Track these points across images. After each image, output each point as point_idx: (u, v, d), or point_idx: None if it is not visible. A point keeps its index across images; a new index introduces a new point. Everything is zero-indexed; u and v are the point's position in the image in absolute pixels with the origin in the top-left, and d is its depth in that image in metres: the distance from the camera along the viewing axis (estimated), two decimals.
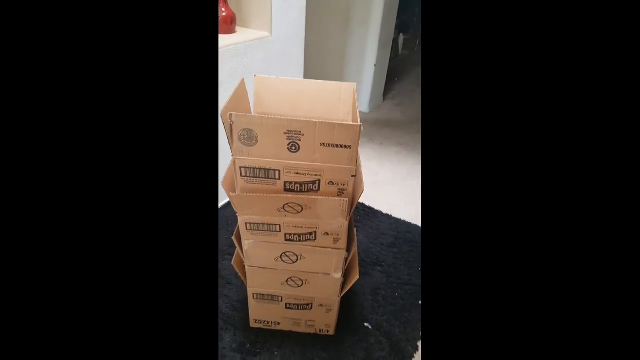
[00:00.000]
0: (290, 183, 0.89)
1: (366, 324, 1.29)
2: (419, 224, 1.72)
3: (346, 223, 0.95)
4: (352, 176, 0.88)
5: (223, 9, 1.49)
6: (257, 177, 0.88)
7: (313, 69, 2.63)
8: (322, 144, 0.83)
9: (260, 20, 1.61)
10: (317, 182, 0.88)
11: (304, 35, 1.81)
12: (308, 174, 0.87)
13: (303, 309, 1.17)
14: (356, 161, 0.86)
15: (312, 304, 1.15)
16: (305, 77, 2.10)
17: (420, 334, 1.27)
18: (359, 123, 0.80)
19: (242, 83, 0.98)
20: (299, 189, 0.89)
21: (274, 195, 0.89)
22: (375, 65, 2.50)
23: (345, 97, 0.99)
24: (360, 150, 2.39)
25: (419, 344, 1.24)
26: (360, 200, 1.84)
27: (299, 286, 1.10)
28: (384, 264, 1.52)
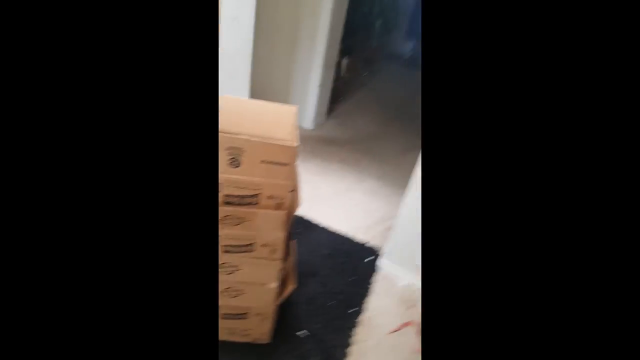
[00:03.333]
0: (231, 196, 0.93)
1: (300, 332, 1.35)
2: (355, 236, 1.84)
3: (283, 235, 1.01)
4: (290, 191, 0.95)
5: None
6: None
7: (260, 86, 2.70)
8: (262, 161, 0.89)
9: None
10: (257, 196, 0.94)
11: (251, 52, 1.87)
12: (248, 189, 0.93)
13: (239, 318, 1.20)
14: (294, 177, 0.94)
15: (248, 313, 1.19)
16: (252, 93, 2.15)
17: (349, 340, 1.37)
18: (297, 144, 0.89)
19: None
20: (238, 203, 0.94)
21: None
22: (319, 85, 2.64)
23: (287, 118, 1.07)
24: (303, 165, 2.46)
25: (348, 350, 1.33)
26: (301, 214, 1.92)
27: (235, 296, 1.14)
28: (319, 274, 1.60)
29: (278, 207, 0.97)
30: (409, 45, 4.91)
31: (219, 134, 0.85)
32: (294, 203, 1.01)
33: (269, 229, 0.98)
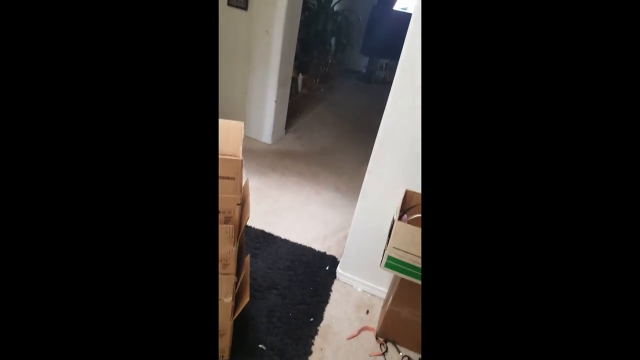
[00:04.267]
0: None
1: (261, 345, 1.36)
2: (313, 246, 1.88)
3: (234, 249, 1.03)
4: (238, 204, 0.98)
5: None
6: None
7: (219, 103, 2.71)
8: None
9: None
10: None
11: None
12: None
13: None
14: (241, 190, 0.97)
15: None
16: None
17: (310, 349, 1.39)
18: (241, 158, 0.92)
19: None
20: None
21: None
22: (275, 101, 2.69)
23: (233, 134, 1.10)
24: (262, 179, 2.48)
25: (309, 358, 1.35)
26: (260, 227, 1.93)
27: None
28: (279, 286, 1.62)
29: (226, 220, 0.99)
30: (364, 62, 5.13)
31: None
32: (243, 216, 1.03)
33: (219, 243, 1.00)
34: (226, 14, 2.50)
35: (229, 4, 2.46)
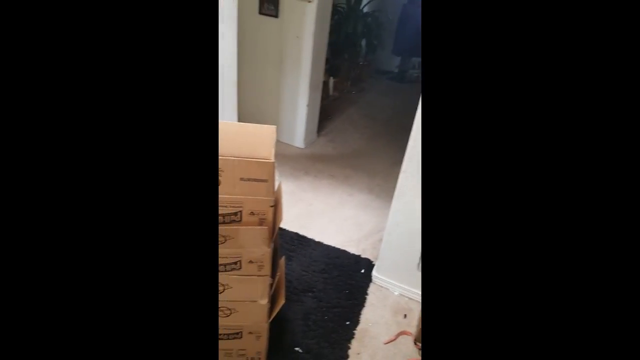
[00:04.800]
0: None
1: (297, 348, 1.35)
2: (348, 249, 1.86)
3: (269, 250, 1.04)
4: (271, 206, 0.99)
5: None
6: None
7: (250, 110, 2.78)
8: (241, 179, 0.93)
9: None
10: (239, 213, 0.98)
11: (236, 78, 1.95)
12: (230, 206, 0.96)
13: (233, 338, 1.21)
14: (273, 193, 0.98)
15: (241, 332, 1.20)
16: (241, 118, 2.22)
17: (346, 352, 1.37)
18: (273, 160, 0.93)
19: None
20: (222, 221, 0.98)
21: None
22: (307, 105, 2.71)
23: (266, 138, 1.12)
24: (295, 182, 2.50)
25: None
26: (294, 230, 1.95)
27: (227, 315, 1.15)
28: (314, 289, 1.61)
29: (261, 222, 1.00)
30: (396, 61, 5.05)
31: None
32: (276, 218, 1.04)
33: (253, 244, 1.01)
34: (257, 22, 2.56)
35: (260, 12, 2.52)
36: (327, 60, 2.94)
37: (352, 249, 1.87)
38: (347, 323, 1.48)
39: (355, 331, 1.45)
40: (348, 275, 1.71)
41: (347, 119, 3.51)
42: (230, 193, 0.94)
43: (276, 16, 2.49)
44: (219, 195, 0.94)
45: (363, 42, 4.25)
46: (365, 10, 4.00)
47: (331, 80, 3.70)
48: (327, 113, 3.38)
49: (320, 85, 2.89)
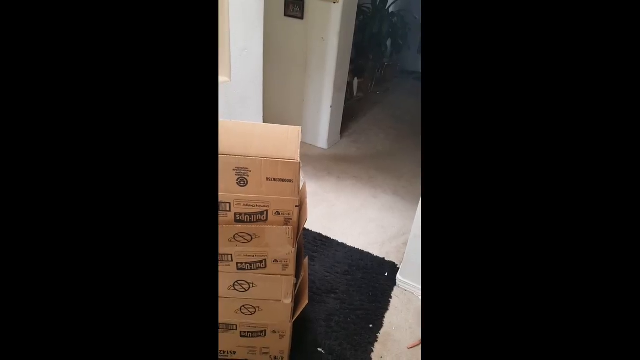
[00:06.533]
0: (241, 214, 0.98)
1: (319, 349, 1.35)
2: (371, 251, 1.84)
3: (294, 250, 1.04)
4: (296, 206, 0.99)
5: None
6: None
7: (274, 111, 2.81)
8: (267, 179, 0.94)
9: (220, 67, 1.76)
10: (265, 212, 0.99)
11: (261, 80, 1.97)
12: (256, 206, 0.98)
13: (257, 336, 1.22)
14: (299, 193, 0.98)
15: (265, 330, 1.21)
16: (266, 118, 2.25)
17: (369, 355, 1.35)
18: (298, 160, 0.93)
19: None
20: (248, 220, 0.99)
21: (224, 225, 0.98)
22: (331, 106, 2.71)
23: (291, 138, 1.12)
24: (318, 183, 2.50)
25: None
26: (317, 230, 1.95)
27: (252, 313, 1.16)
28: (338, 291, 1.61)
29: (286, 222, 1.01)
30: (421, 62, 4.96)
31: (227, 156, 0.91)
32: (301, 218, 1.05)
33: (278, 244, 1.02)
34: (283, 24, 2.59)
35: (285, 14, 2.55)
36: (352, 61, 2.93)
37: (376, 252, 1.85)
38: (370, 326, 1.46)
39: (378, 334, 1.43)
40: (372, 278, 1.69)
41: (371, 119, 3.48)
42: (257, 193, 0.95)
43: (301, 18, 2.51)
44: (247, 195, 0.95)
45: (388, 42, 4.21)
46: (390, 10, 3.96)
47: (355, 81, 3.68)
48: (350, 114, 3.37)
49: (345, 86, 2.89)
